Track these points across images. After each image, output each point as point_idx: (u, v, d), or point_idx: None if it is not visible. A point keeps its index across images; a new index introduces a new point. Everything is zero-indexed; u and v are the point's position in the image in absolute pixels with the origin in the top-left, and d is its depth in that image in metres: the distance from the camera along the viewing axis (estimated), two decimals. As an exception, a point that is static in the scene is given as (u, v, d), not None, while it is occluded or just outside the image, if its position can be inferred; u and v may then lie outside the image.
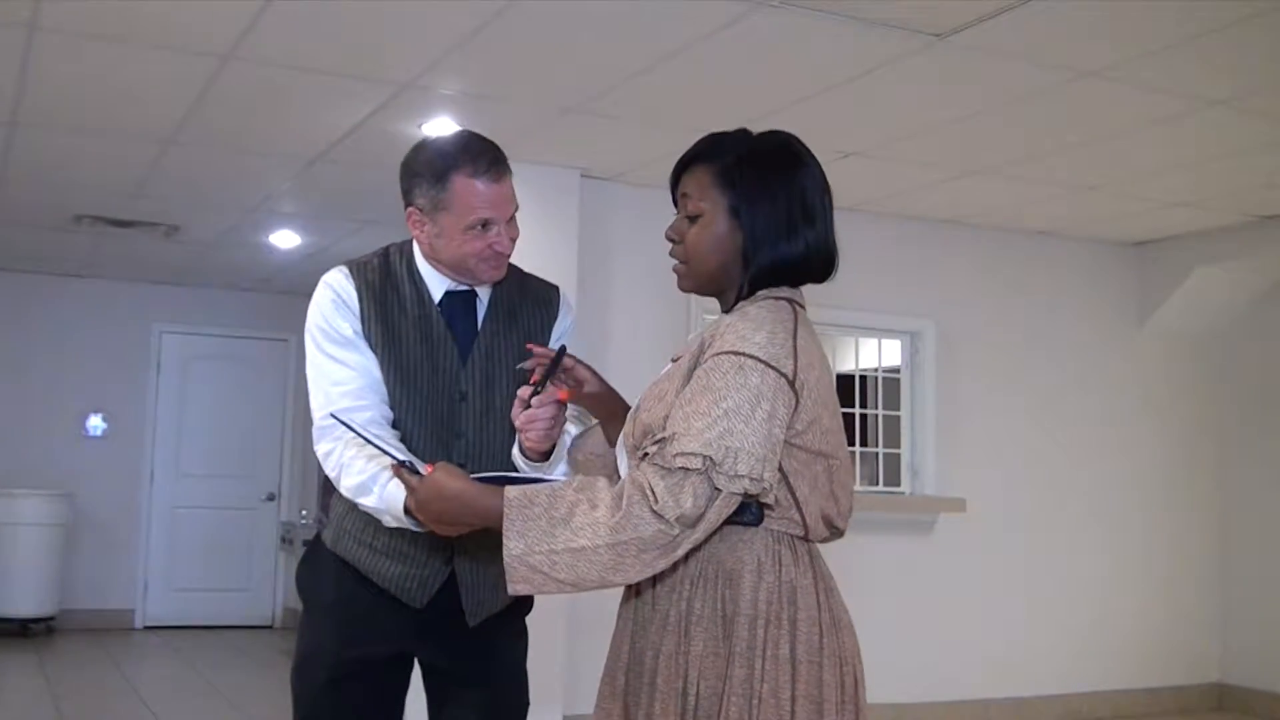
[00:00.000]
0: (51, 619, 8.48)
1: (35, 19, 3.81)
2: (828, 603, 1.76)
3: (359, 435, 2.02)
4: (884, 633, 5.34)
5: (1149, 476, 6.70)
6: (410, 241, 2.32)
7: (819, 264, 1.83)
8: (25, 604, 8.30)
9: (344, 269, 2.30)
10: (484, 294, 2.34)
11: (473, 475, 1.82)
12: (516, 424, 2.07)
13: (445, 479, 1.80)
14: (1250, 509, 6.74)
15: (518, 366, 2.16)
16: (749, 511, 1.73)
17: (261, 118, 4.83)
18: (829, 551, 1.86)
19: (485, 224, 2.19)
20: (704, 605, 1.72)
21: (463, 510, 1.77)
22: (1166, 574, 6.69)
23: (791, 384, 1.70)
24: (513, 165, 2.26)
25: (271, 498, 9.50)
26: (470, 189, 2.17)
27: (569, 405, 2.12)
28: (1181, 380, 6.86)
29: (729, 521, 1.71)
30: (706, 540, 1.72)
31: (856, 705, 1.76)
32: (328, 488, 2.38)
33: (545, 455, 2.12)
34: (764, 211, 1.79)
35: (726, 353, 1.70)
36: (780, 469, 1.72)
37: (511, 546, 1.66)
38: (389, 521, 2.11)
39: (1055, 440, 6.49)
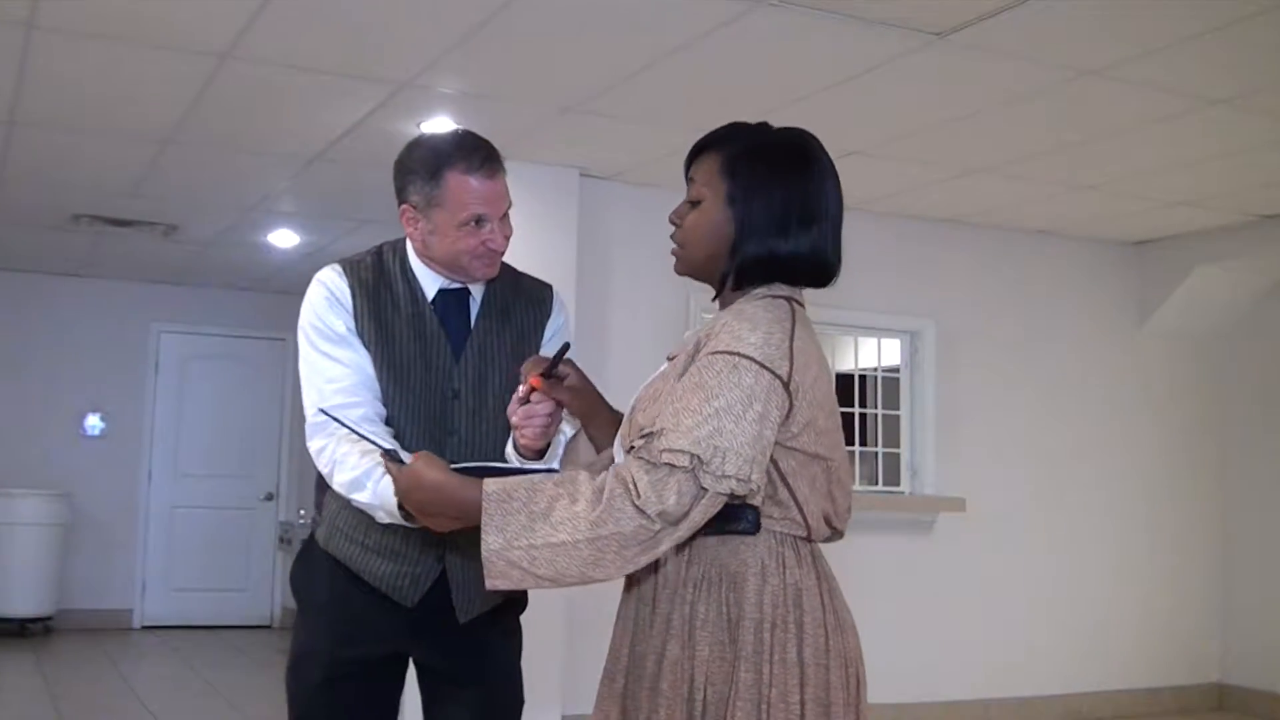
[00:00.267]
0: (49, 619, 8.46)
1: (33, 18, 3.80)
2: (832, 604, 1.75)
3: (351, 431, 2.02)
4: (884, 633, 5.32)
5: (1149, 476, 6.69)
6: (403, 240, 2.32)
7: (810, 268, 1.80)
8: (23, 604, 8.29)
9: (337, 266, 2.30)
10: (477, 292, 2.34)
11: (454, 465, 1.78)
12: (512, 421, 2.07)
13: (424, 469, 1.77)
14: (1251, 510, 6.73)
15: (517, 370, 2.15)
16: (745, 520, 1.71)
17: (260, 117, 4.83)
18: (829, 552, 1.84)
19: (479, 220, 2.19)
20: (708, 609, 1.70)
21: (441, 501, 1.74)
22: (1167, 574, 6.68)
23: (786, 386, 1.68)
24: (511, 164, 2.27)
25: (270, 497, 9.49)
26: (464, 185, 2.17)
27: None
28: (1182, 380, 6.85)
29: (727, 532, 1.70)
30: (706, 543, 1.71)
31: (858, 707, 1.75)
32: (321, 486, 2.38)
33: (540, 454, 2.11)
34: (758, 205, 1.77)
35: (721, 352, 1.68)
36: (779, 470, 1.71)
37: (490, 541, 1.63)
38: (382, 518, 2.10)
39: (1055, 440, 6.48)
